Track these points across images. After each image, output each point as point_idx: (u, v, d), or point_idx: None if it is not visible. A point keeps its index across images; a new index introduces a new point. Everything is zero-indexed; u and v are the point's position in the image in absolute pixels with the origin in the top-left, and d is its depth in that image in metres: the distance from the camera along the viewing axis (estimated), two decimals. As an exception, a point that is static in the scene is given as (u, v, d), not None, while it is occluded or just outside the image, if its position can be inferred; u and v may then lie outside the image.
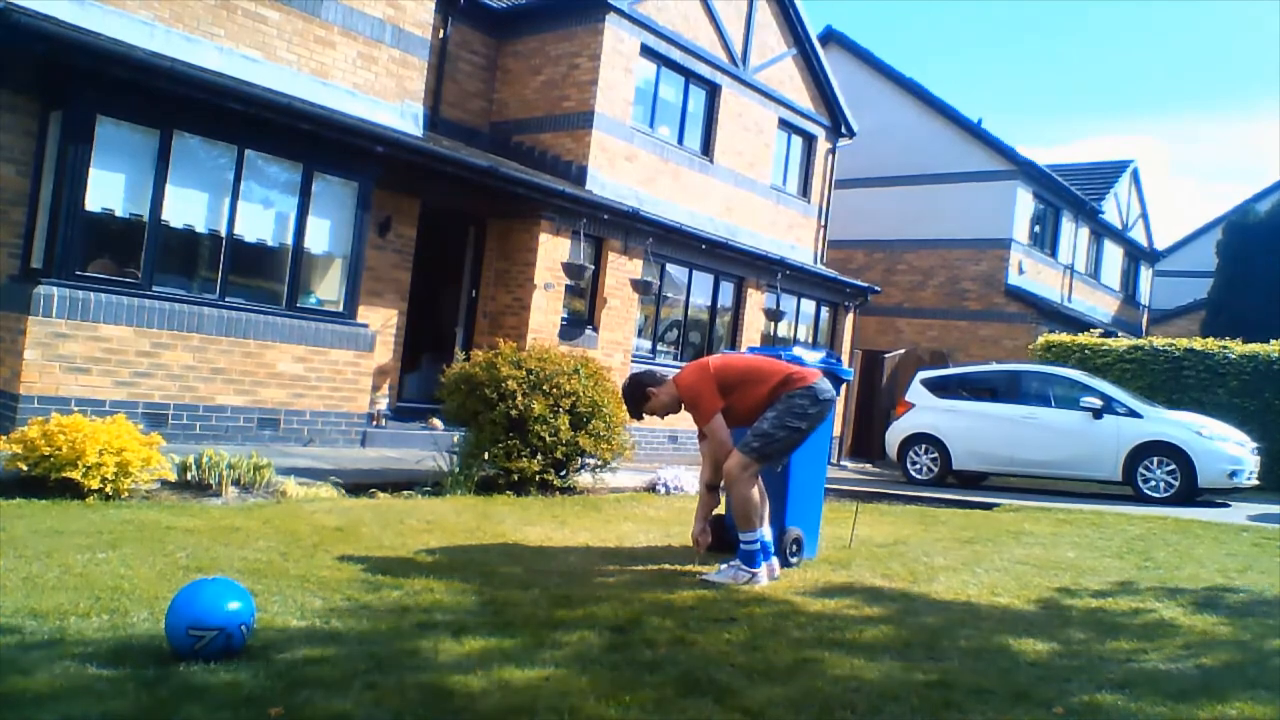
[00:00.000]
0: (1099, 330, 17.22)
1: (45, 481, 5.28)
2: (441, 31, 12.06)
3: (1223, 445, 10.89)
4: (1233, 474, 10.71)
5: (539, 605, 3.86)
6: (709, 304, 14.34)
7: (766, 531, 4.75)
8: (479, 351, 8.05)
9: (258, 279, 8.79)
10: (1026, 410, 11.83)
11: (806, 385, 4.75)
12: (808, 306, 16.21)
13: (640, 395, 4.91)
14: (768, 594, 4.43)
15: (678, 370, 5.09)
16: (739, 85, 14.42)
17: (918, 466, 12.38)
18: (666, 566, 4.98)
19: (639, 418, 5.07)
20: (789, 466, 5.20)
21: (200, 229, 8.23)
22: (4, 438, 5.86)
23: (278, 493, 6.12)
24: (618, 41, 12.31)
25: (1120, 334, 18.88)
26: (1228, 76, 79.81)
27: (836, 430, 15.29)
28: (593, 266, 11.88)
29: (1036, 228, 20.98)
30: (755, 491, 4.67)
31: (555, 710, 2.66)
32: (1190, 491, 10.72)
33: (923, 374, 13.31)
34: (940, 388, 12.78)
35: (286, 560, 4.29)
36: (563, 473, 7.75)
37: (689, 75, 13.69)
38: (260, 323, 8.51)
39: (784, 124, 15.63)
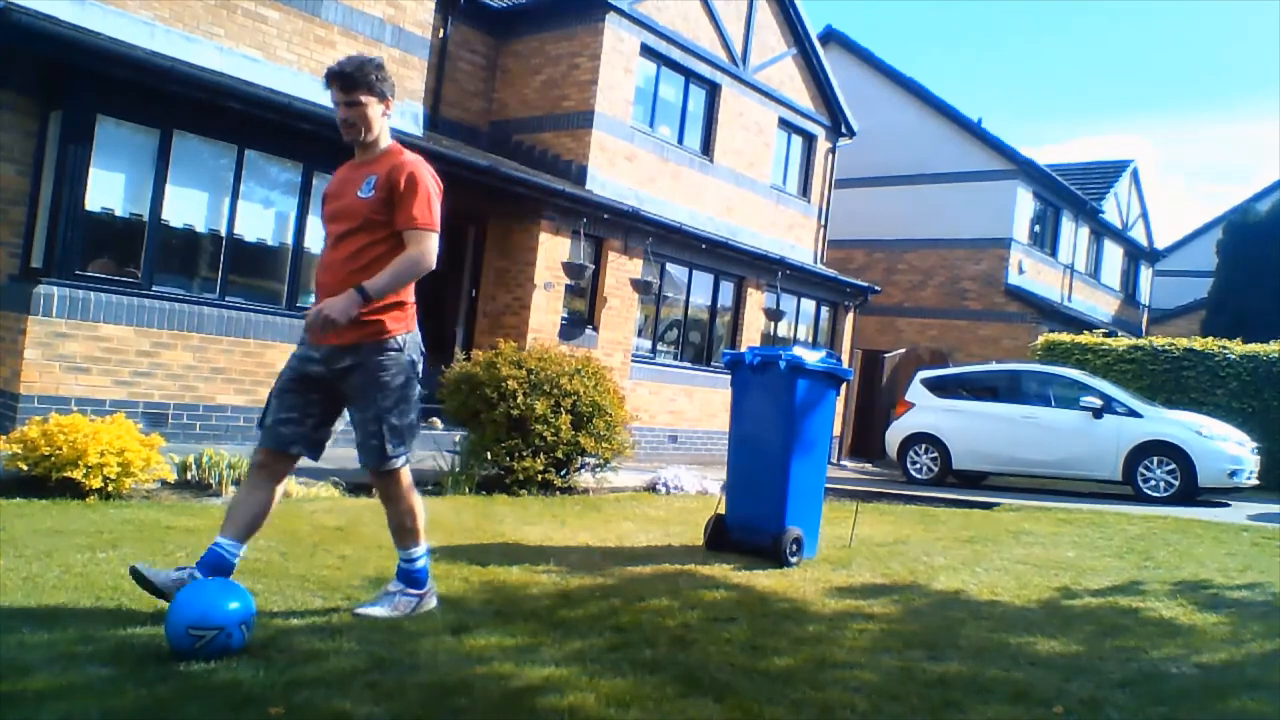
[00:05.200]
0: (1101, 330, 17.22)
1: (45, 481, 5.27)
2: (441, 31, 12.05)
3: (1223, 445, 10.89)
4: (1233, 474, 10.71)
5: (539, 605, 3.86)
6: (709, 304, 14.32)
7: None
8: (479, 351, 8.05)
9: (258, 278, 8.78)
10: (1026, 410, 11.83)
11: None
12: (808, 306, 16.20)
13: None
14: (768, 594, 4.43)
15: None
16: (739, 85, 14.41)
17: (918, 466, 12.38)
18: (667, 566, 4.98)
19: None
20: (789, 465, 5.20)
21: (200, 228, 8.23)
22: (4, 437, 5.86)
23: (278, 492, 6.11)
24: (618, 41, 12.31)
25: (1120, 334, 18.87)
26: (1225, 77, 79.84)
27: (836, 430, 15.28)
28: (593, 266, 11.88)
29: (1036, 227, 20.97)
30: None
31: (555, 710, 2.66)
32: (1190, 491, 10.71)
33: (923, 374, 13.32)
34: (940, 387, 12.78)
35: (286, 560, 4.29)
36: (563, 472, 7.75)
37: (689, 75, 13.68)
38: (260, 322, 8.50)
39: (784, 124, 15.62)
